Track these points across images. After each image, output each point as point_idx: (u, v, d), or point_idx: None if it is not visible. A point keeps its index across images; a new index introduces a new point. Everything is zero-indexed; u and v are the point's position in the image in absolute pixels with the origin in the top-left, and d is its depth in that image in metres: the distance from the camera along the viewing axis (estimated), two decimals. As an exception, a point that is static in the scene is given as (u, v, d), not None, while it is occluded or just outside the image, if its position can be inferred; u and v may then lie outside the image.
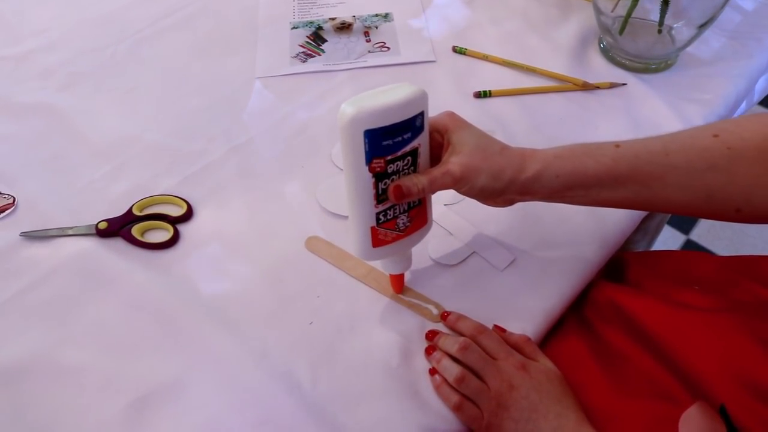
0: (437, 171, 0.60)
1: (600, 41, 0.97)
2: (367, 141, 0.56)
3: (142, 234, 0.76)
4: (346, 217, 0.76)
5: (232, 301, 0.70)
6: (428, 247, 0.74)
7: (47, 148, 0.87)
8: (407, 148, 0.58)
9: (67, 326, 0.69)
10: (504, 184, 0.61)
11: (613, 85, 0.91)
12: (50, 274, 0.73)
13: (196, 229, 0.77)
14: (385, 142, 0.57)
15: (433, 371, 0.64)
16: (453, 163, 0.60)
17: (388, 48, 0.98)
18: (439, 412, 0.62)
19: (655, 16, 0.86)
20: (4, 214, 0.79)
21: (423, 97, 0.58)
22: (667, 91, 0.90)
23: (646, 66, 0.92)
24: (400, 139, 0.57)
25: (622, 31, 0.88)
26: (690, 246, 1.80)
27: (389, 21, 1.03)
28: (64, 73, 0.97)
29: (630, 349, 0.65)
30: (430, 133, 0.62)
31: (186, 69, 0.97)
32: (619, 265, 0.77)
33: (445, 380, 0.63)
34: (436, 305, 0.69)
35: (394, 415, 0.62)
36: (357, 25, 1.02)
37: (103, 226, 0.76)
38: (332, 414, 0.62)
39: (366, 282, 0.71)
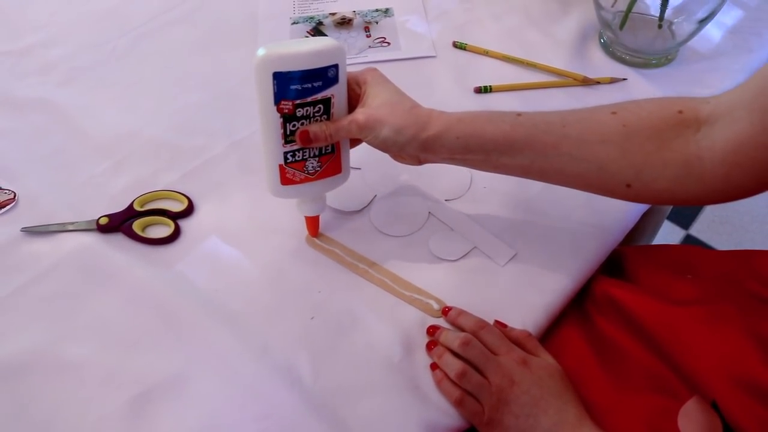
0: (344, 119, 0.65)
1: (600, 36, 0.97)
2: (275, 83, 0.61)
3: (143, 229, 0.76)
4: (346, 213, 0.77)
5: (233, 296, 0.70)
6: (429, 242, 0.74)
7: (48, 143, 0.86)
8: (318, 96, 0.63)
9: (68, 321, 0.69)
10: (405, 139, 0.63)
11: (613, 80, 0.90)
12: (51, 269, 0.73)
13: (197, 224, 0.77)
14: (293, 86, 0.61)
15: (434, 366, 0.64)
16: (359, 112, 0.64)
17: (389, 43, 0.98)
18: (440, 406, 0.62)
19: (656, 11, 0.86)
20: (4, 209, 0.79)
21: (338, 51, 0.62)
22: (667, 86, 0.90)
23: (647, 61, 0.92)
24: (309, 86, 0.62)
25: (622, 26, 0.88)
26: (689, 241, 1.80)
27: (389, 16, 1.03)
28: (65, 68, 0.97)
29: (628, 343, 0.65)
30: (350, 87, 0.66)
31: (187, 64, 0.97)
32: (618, 260, 0.77)
33: (447, 375, 0.63)
34: (437, 300, 0.69)
35: (395, 410, 0.62)
36: (357, 21, 1.02)
37: (103, 221, 0.76)
38: (333, 408, 0.62)
39: (366, 277, 0.71)
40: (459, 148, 0.63)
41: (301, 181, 0.68)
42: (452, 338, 0.64)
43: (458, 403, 0.62)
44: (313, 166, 0.67)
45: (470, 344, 0.63)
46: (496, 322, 0.67)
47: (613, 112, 0.61)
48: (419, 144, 0.63)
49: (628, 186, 0.60)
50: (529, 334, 0.66)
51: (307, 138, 0.64)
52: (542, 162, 0.62)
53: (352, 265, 0.72)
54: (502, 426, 0.60)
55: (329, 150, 0.67)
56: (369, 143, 0.66)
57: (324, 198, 0.72)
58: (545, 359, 0.64)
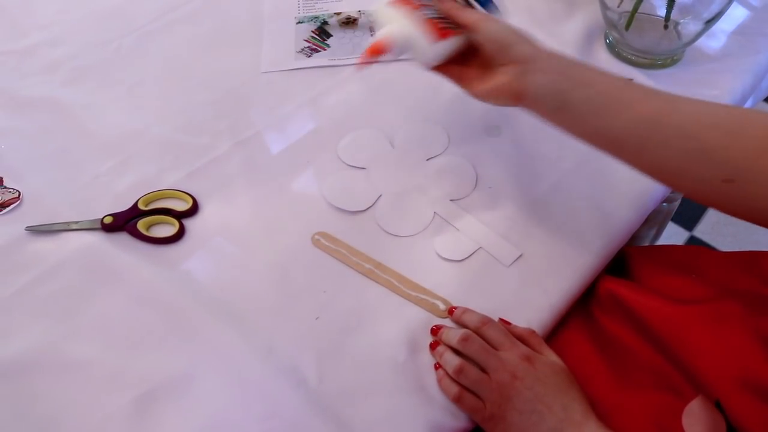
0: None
1: (606, 36, 0.96)
2: None
3: (148, 228, 0.76)
4: (352, 212, 0.76)
5: (237, 295, 0.70)
6: (434, 242, 0.74)
7: (52, 142, 0.86)
8: None
9: (73, 321, 0.69)
10: (518, 38, 0.63)
11: (619, 81, 0.90)
12: (55, 268, 0.73)
13: (202, 223, 0.77)
14: None
15: (437, 366, 0.64)
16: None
17: (394, 43, 0.98)
18: (445, 407, 0.62)
19: (662, 11, 0.86)
20: (9, 208, 0.79)
21: None
22: (673, 87, 0.88)
23: (653, 61, 0.92)
24: None
25: (628, 26, 0.88)
26: (693, 242, 1.79)
27: (395, 16, 1.02)
28: (70, 67, 0.97)
29: (633, 342, 0.65)
30: None
31: (191, 63, 0.97)
32: (623, 260, 0.77)
33: (447, 372, 0.63)
34: (444, 300, 0.69)
35: (400, 411, 0.62)
36: (362, 20, 1.02)
37: (108, 220, 0.76)
38: (338, 409, 0.62)
39: (372, 277, 0.71)
40: (570, 75, 0.61)
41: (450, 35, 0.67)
42: (453, 335, 0.64)
43: (457, 400, 0.61)
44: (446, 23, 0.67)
45: (469, 340, 0.63)
46: (501, 320, 0.67)
47: (726, 107, 0.60)
48: (526, 52, 0.62)
49: (726, 181, 0.55)
50: (534, 332, 0.66)
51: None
52: (647, 128, 0.59)
53: (358, 265, 0.72)
54: (506, 422, 0.59)
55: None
56: (482, 41, 0.65)
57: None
58: (549, 357, 0.64)
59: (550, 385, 0.60)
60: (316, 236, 0.74)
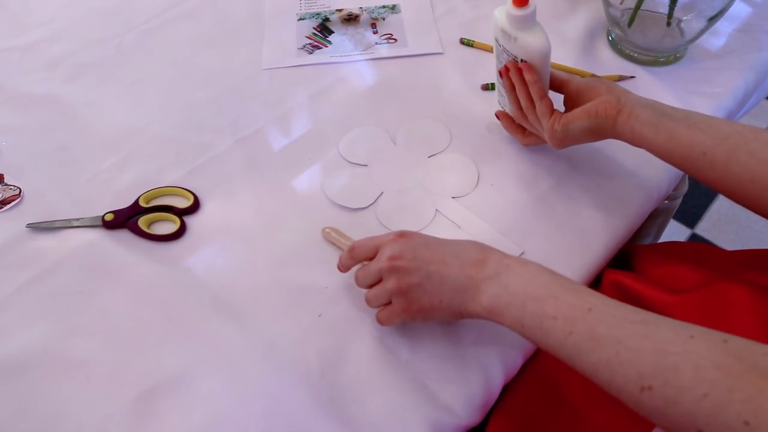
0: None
1: (608, 34, 0.96)
2: None
3: (149, 226, 0.76)
4: (353, 210, 0.76)
5: (239, 293, 0.70)
6: (436, 240, 0.73)
7: (53, 139, 0.86)
8: None
9: (74, 318, 0.69)
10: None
11: (621, 78, 0.90)
12: (56, 265, 0.73)
13: (203, 221, 0.77)
14: None
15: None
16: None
17: (396, 40, 0.98)
18: (447, 404, 0.62)
19: (665, 8, 0.86)
20: (10, 205, 0.79)
21: None
22: (675, 84, 0.89)
23: (655, 59, 0.92)
24: None
25: (630, 23, 0.88)
26: (695, 240, 1.79)
27: (396, 12, 1.02)
28: (70, 64, 0.97)
29: None
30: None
31: (193, 60, 0.97)
32: (627, 257, 0.77)
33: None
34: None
35: (402, 408, 0.62)
36: (364, 17, 1.02)
37: (109, 217, 0.75)
38: (340, 406, 0.62)
39: None
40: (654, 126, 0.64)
41: None
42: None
43: (388, 323, 0.65)
44: None
45: (357, 280, 0.66)
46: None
47: None
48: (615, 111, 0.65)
49: None
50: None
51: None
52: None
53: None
54: (415, 298, 0.60)
55: None
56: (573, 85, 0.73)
57: None
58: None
59: (433, 245, 0.61)
60: (327, 229, 0.74)
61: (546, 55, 0.70)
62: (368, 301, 0.65)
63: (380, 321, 0.65)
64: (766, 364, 0.43)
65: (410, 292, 0.60)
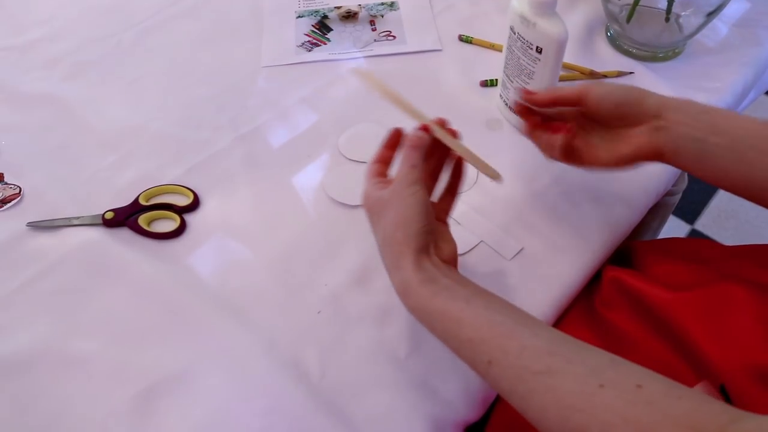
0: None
1: (607, 30, 0.96)
2: None
3: (149, 224, 0.76)
4: (352, 207, 0.76)
5: (239, 290, 0.70)
6: (435, 237, 0.73)
7: (53, 137, 0.86)
8: None
9: (75, 316, 0.69)
10: (638, 96, 0.61)
11: (620, 74, 0.90)
12: (57, 264, 0.73)
13: (203, 218, 0.77)
14: None
15: None
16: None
17: (394, 37, 0.98)
18: (447, 400, 0.62)
19: (663, 4, 0.86)
20: (10, 204, 0.79)
21: None
22: (674, 80, 0.89)
23: (654, 54, 0.92)
24: None
25: (629, 19, 0.88)
26: (695, 235, 1.79)
27: (395, 9, 1.02)
28: (70, 62, 0.97)
29: (636, 331, 0.64)
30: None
31: (192, 58, 0.97)
32: (627, 253, 0.77)
33: None
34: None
35: (402, 406, 0.62)
36: (363, 14, 1.02)
37: (109, 215, 0.76)
38: (340, 404, 0.62)
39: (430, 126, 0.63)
40: (704, 123, 0.58)
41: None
42: None
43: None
44: None
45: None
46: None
47: None
48: (654, 105, 0.60)
49: None
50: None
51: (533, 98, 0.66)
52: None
53: (416, 113, 0.63)
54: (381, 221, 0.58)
55: None
56: (595, 106, 0.63)
57: None
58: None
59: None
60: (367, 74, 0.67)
61: (563, 43, 0.72)
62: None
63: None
64: (680, 411, 0.41)
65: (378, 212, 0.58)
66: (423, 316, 0.54)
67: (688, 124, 0.59)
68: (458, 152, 0.62)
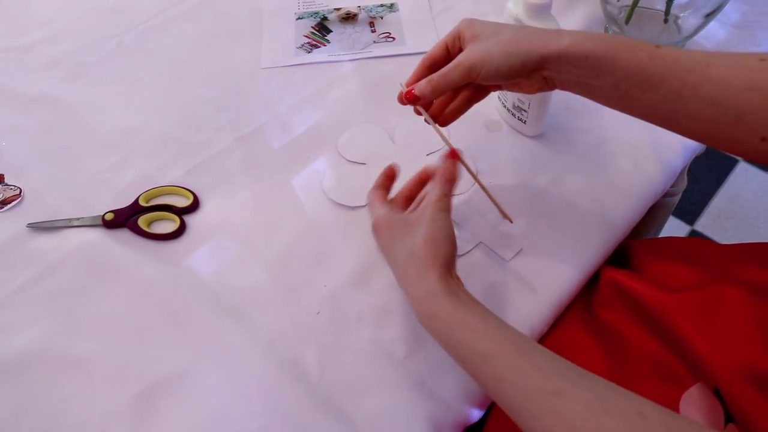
0: (449, 65, 0.63)
1: (606, 30, 0.96)
2: None
3: (149, 225, 0.76)
4: (352, 208, 0.76)
5: (238, 291, 0.70)
6: (434, 238, 0.74)
7: (53, 139, 0.87)
8: None
9: (74, 317, 0.69)
10: (521, 59, 0.60)
11: (619, 75, 0.90)
12: (57, 265, 0.73)
13: (203, 219, 0.77)
14: None
15: None
16: (461, 55, 0.62)
17: (394, 38, 0.98)
18: (446, 401, 0.62)
19: (662, 5, 0.86)
20: (10, 205, 0.79)
21: None
22: (673, 81, 0.89)
23: (653, 55, 0.92)
24: None
25: (628, 20, 0.88)
26: (694, 236, 1.79)
27: (394, 11, 1.02)
28: (70, 63, 0.97)
29: (633, 331, 0.65)
30: (451, 47, 0.66)
31: (192, 59, 0.97)
32: (625, 253, 0.77)
33: None
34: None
35: (400, 406, 0.62)
36: (362, 15, 1.02)
37: (109, 217, 0.76)
38: (339, 404, 0.62)
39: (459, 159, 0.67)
40: (587, 69, 0.59)
41: None
42: None
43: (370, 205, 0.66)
44: None
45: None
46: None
47: (762, 59, 0.55)
48: (538, 60, 0.60)
49: (764, 139, 0.54)
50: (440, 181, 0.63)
51: (413, 96, 0.64)
52: (675, 102, 0.57)
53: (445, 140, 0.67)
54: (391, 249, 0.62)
55: None
56: (485, 81, 0.63)
57: None
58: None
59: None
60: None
61: None
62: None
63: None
64: None
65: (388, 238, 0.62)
66: (441, 324, 0.55)
67: (570, 71, 0.60)
68: (480, 184, 0.67)
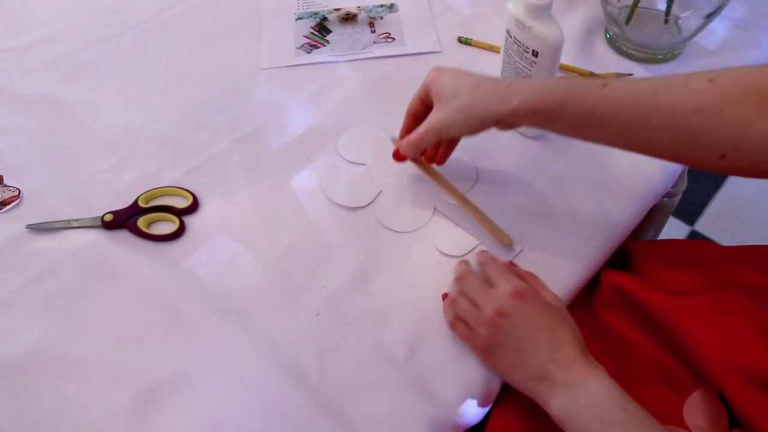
0: (422, 128, 0.69)
1: (606, 31, 0.96)
2: None
3: (148, 226, 0.76)
4: (352, 209, 0.76)
5: (238, 292, 0.70)
6: (434, 238, 0.73)
7: (52, 140, 0.86)
8: None
9: (74, 318, 0.69)
10: (479, 121, 0.65)
11: (619, 76, 0.90)
12: (56, 266, 0.73)
13: (202, 220, 0.77)
14: None
15: (444, 295, 0.69)
16: (430, 116, 0.69)
17: (393, 38, 0.98)
18: (446, 402, 0.62)
19: (662, 5, 0.86)
20: (9, 206, 0.79)
21: None
22: (673, 82, 0.89)
23: (653, 56, 0.92)
24: None
25: (628, 20, 0.88)
26: (694, 237, 1.79)
27: (394, 11, 1.02)
28: (69, 64, 0.97)
29: (635, 335, 0.65)
30: (423, 99, 0.72)
31: (191, 60, 0.97)
32: (625, 254, 0.77)
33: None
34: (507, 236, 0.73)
35: (400, 408, 0.62)
36: (362, 16, 1.02)
37: (108, 218, 0.76)
38: (339, 405, 0.62)
39: (462, 204, 0.75)
40: (540, 121, 0.63)
41: None
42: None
43: (451, 326, 0.66)
44: None
45: (464, 278, 0.67)
46: (509, 262, 0.70)
47: (711, 80, 0.55)
48: (495, 120, 0.64)
49: (723, 157, 0.55)
50: (534, 275, 0.68)
51: (401, 157, 0.74)
52: (629, 135, 0.59)
53: (452, 189, 0.76)
54: (495, 356, 0.61)
55: None
56: (456, 137, 0.73)
57: None
58: (545, 296, 0.64)
59: (539, 323, 0.60)
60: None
61: (559, 47, 0.72)
62: (449, 311, 0.67)
63: (453, 328, 0.66)
64: None
65: (495, 347, 0.61)
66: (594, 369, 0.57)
67: (526, 123, 0.66)
68: (479, 219, 0.74)
